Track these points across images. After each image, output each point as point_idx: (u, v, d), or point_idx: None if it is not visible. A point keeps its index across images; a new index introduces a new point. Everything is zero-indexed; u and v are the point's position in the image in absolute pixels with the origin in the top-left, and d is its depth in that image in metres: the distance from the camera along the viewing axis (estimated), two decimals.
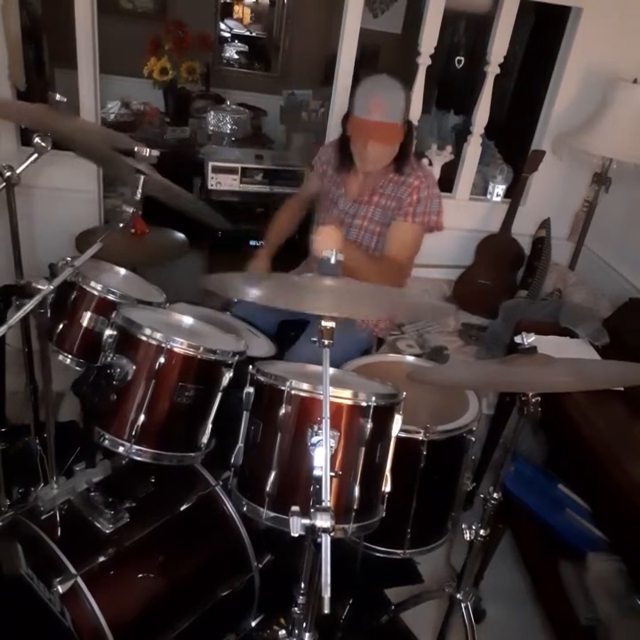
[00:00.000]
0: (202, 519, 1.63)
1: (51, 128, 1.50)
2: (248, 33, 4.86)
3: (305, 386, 1.25)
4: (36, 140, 1.51)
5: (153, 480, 1.61)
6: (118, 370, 1.39)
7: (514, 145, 3.13)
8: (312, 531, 1.01)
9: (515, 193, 2.77)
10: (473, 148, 2.81)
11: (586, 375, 1.42)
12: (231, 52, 4.85)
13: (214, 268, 2.90)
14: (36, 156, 1.52)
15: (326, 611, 0.94)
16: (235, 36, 4.83)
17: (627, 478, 1.63)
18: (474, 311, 2.78)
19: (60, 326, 1.61)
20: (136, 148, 1.50)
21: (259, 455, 1.31)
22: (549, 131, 2.79)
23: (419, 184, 2.03)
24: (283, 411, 1.25)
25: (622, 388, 1.90)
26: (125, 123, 3.90)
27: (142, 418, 1.40)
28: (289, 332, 2.20)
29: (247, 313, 2.06)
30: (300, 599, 1.22)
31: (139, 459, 1.42)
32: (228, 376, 1.46)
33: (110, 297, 1.60)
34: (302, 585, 1.21)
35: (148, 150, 1.49)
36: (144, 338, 1.40)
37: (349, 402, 1.26)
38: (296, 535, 1.05)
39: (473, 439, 1.58)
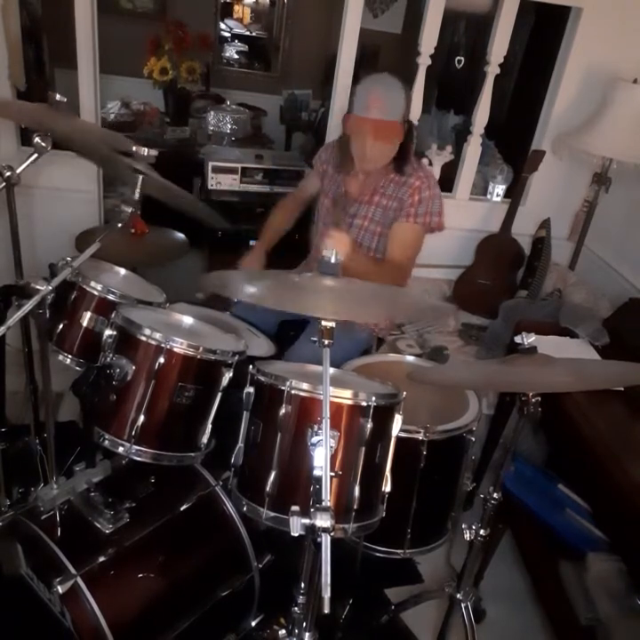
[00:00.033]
0: (202, 519, 1.62)
1: (50, 128, 1.50)
2: (248, 33, 4.86)
3: (305, 386, 1.25)
4: (36, 139, 1.51)
5: (153, 480, 1.61)
6: (118, 370, 1.39)
7: (514, 145, 3.13)
8: (312, 530, 1.01)
9: (515, 193, 2.77)
10: (473, 148, 2.81)
11: (586, 375, 1.42)
12: (231, 51, 4.85)
13: (214, 268, 2.90)
14: (35, 156, 1.52)
15: (326, 611, 0.94)
16: (235, 36, 4.84)
17: (627, 478, 1.63)
18: (474, 311, 2.78)
19: (60, 326, 1.61)
20: (134, 148, 1.50)
21: (259, 455, 1.31)
22: (549, 131, 2.79)
23: (420, 184, 2.03)
24: (283, 411, 1.25)
25: (622, 388, 1.90)
26: (125, 123, 3.90)
27: (142, 418, 1.40)
28: (289, 331, 2.20)
29: (247, 313, 2.06)
30: (300, 599, 1.22)
31: (138, 459, 1.42)
32: (227, 376, 1.46)
33: (110, 297, 1.60)
34: (302, 585, 1.21)
35: (147, 150, 1.49)
36: (144, 338, 1.40)
37: (349, 402, 1.26)
38: (296, 535, 1.05)
39: (473, 439, 1.58)
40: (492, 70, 2.63)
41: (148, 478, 1.61)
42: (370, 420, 1.26)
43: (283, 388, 1.26)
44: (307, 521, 1.02)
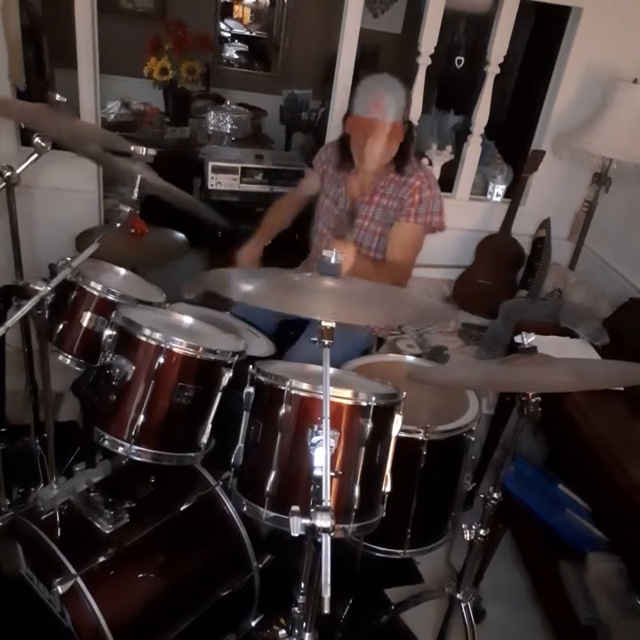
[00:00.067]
0: (202, 519, 1.62)
1: (50, 132, 1.50)
2: (248, 33, 4.86)
3: (305, 386, 1.25)
4: (36, 139, 1.51)
5: (153, 480, 1.61)
6: (118, 370, 1.39)
7: (514, 145, 3.13)
8: (312, 531, 1.01)
9: (515, 193, 2.77)
10: (473, 148, 2.81)
11: (586, 375, 1.41)
12: (231, 51, 4.85)
13: (214, 268, 2.90)
14: (35, 155, 1.52)
15: (326, 611, 0.94)
16: (235, 36, 4.84)
17: (627, 478, 1.63)
18: (474, 311, 2.78)
19: (60, 326, 1.61)
20: (132, 148, 1.50)
21: (259, 455, 1.31)
22: (549, 131, 2.79)
23: (420, 184, 2.03)
24: (283, 410, 1.25)
25: (622, 388, 1.90)
26: (125, 123, 3.90)
27: (142, 418, 1.40)
28: (289, 331, 2.20)
29: (247, 313, 2.06)
30: (300, 599, 1.22)
31: (138, 459, 1.42)
32: (227, 376, 1.46)
33: (110, 297, 1.60)
34: (302, 585, 1.21)
35: (145, 149, 1.49)
36: (143, 338, 1.40)
37: (349, 402, 1.26)
38: (296, 535, 1.05)
39: (473, 439, 1.58)
40: (492, 70, 2.63)
41: (148, 478, 1.61)
42: (370, 419, 1.26)
43: (283, 387, 1.26)
44: (307, 521, 1.02)
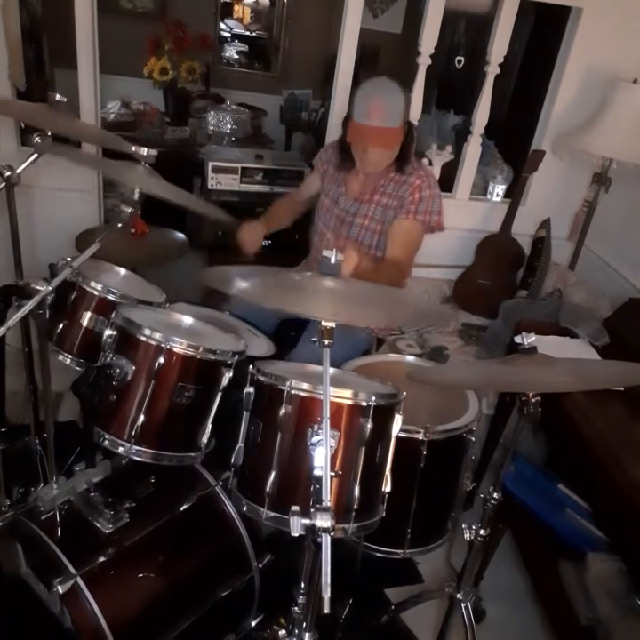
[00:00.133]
0: (202, 519, 1.62)
1: (49, 127, 1.50)
2: (248, 33, 4.86)
3: (305, 386, 1.25)
4: (36, 139, 1.51)
5: (153, 480, 1.61)
6: (118, 370, 1.39)
7: (514, 145, 3.13)
8: (312, 530, 1.01)
9: (515, 193, 2.77)
10: (473, 148, 2.81)
11: (586, 375, 1.41)
12: (231, 51, 4.85)
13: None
14: (35, 155, 1.52)
15: (326, 611, 0.94)
16: (235, 36, 4.84)
17: (627, 478, 1.63)
18: (474, 311, 2.78)
19: (60, 326, 1.61)
20: (134, 148, 1.50)
21: (259, 455, 1.31)
22: (549, 131, 2.79)
23: (420, 183, 2.03)
24: (283, 410, 1.25)
25: (622, 388, 1.90)
26: (125, 123, 3.90)
27: (142, 418, 1.40)
28: (289, 331, 2.20)
29: (247, 313, 2.06)
30: (300, 599, 1.22)
31: (138, 459, 1.42)
32: (227, 376, 1.46)
33: (110, 297, 1.60)
34: (302, 585, 1.21)
35: (146, 150, 1.49)
36: (144, 338, 1.40)
37: (349, 402, 1.26)
38: (296, 535, 1.05)
39: (473, 439, 1.58)
40: (492, 70, 2.63)
41: (148, 478, 1.61)
42: (370, 419, 1.26)
43: (283, 387, 1.26)
44: (307, 521, 1.02)
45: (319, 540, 0.99)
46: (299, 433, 1.24)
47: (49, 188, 2.54)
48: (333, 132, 2.62)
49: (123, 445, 1.41)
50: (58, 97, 1.63)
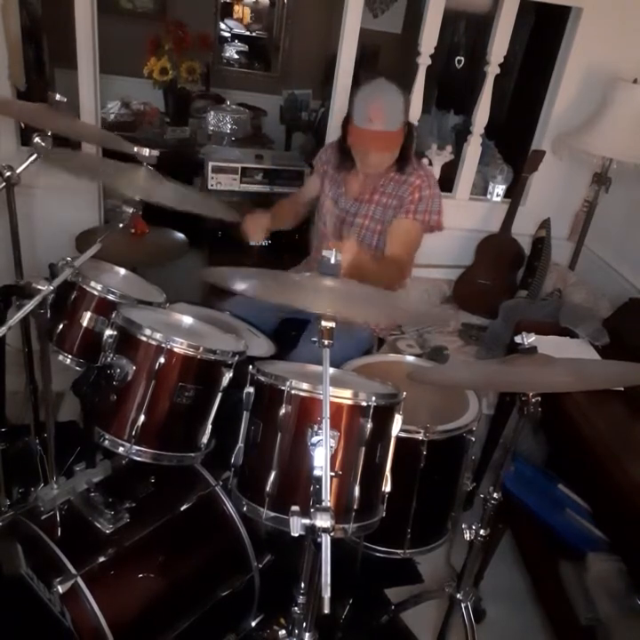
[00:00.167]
0: (202, 519, 1.62)
1: (49, 127, 1.50)
2: (248, 33, 4.86)
3: (305, 386, 1.25)
4: (36, 139, 1.51)
5: (153, 480, 1.61)
6: (118, 370, 1.39)
7: (514, 145, 3.13)
8: (312, 530, 1.01)
9: (515, 193, 2.77)
10: (473, 148, 2.81)
11: (586, 375, 1.41)
12: (231, 51, 4.85)
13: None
14: (35, 155, 1.52)
15: (326, 611, 0.94)
16: (235, 36, 4.84)
17: (627, 478, 1.63)
18: (474, 311, 2.78)
19: (60, 326, 1.61)
20: (136, 149, 1.50)
21: (259, 455, 1.31)
22: (549, 131, 2.79)
23: (420, 183, 2.04)
24: (283, 411, 1.25)
25: (622, 388, 1.90)
26: (125, 123, 3.90)
27: (142, 418, 1.40)
28: (289, 331, 2.20)
29: (247, 313, 2.06)
30: (300, 599, 1.22)
31: (139, 459, 1.42)
32: (227, 376, 1.46)
33: (110, 297, 1.60)
34: (302, 585, 1.21)
35: (148, 150, 1.49)
36: (144, 338, 1.40)
37: (349, 402, 1.26)
38: (296, 535, 1.05)
39: (473, 439, 1.58)
40: (492, 70, 2.63)
41: (147, 478, 1.61)
42: (370, 419, 1.26)
43: (283, 388, 1.26)
44: (307, 521, 1.02)
45: (319, 540, 0.99)
46: (299, 433, 1.24)
47: (49, 188, 2.54)
48: (333, 132, 2.63)
49: (123, 445, 1.41)
50: (58, 97, 1.63)
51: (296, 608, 1.23)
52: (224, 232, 2.85)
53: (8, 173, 1.54)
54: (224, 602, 1.59)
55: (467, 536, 1.54)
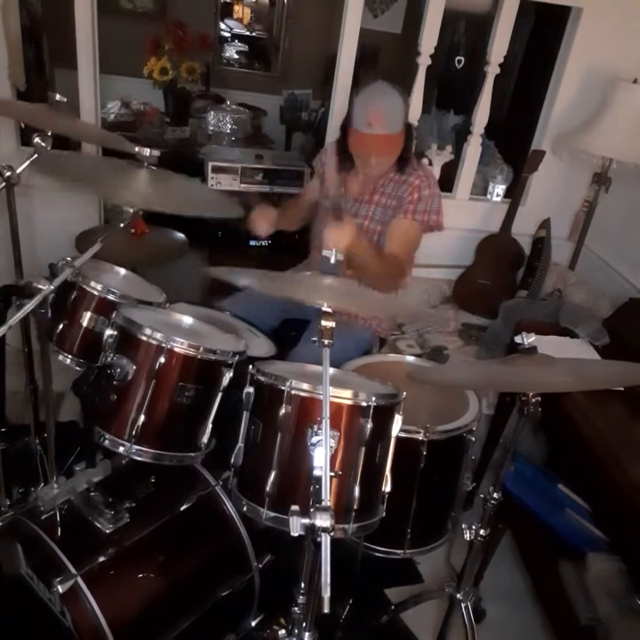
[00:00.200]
0: (202, 519, 1.62)
1: (49, 127, 1.50)
2: (248, 33, 4.86)
3: (305, 386, 1.25)
4: (36, 139, 1.51)
5: (153, 480, 1.61)
6: (118, 370, 1.39)
7: (514, 145, 3.13)
8: (312, 530, 1.01)
9: (515, 193, 2.77)
10: (473, 148, 2.81)
11: (586, 375, 1.42)
12: (231, 51, 4.85)
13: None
14: (36, 155, 1.52)
15: (326, 610, 0.94)
16: (235, 36, 4.84)
17: (627, 478, 1.63)
18: (474, 311, 2.78)
19: (60, 326, 1.61)
20: (137, 149, 1.49)
21: (259, 455, 1.31)
22: (549, 131, 2.79)
23: (420, 183, 2.04)
24: (283, 411, 1.25)
25: (622, 388, 1.90)
26: (125, 123, 3.90)
27: (142, 418, 1.40)
28: (290, 331, 2.20)
29: (247, 313, 2.06)
30: (300, 599, 1.22)
31: (139, 459, 1.42)
32: (228, 376, 1.46)
33: (110, 297, 1.60)
34: (302, 585, 1.21)
35: (149, 150, 1.49)
36: (144, 338, 1.40)
37: (349, 402, 1.26)
38: (296, 535, 1.05)
39: (473, 439, 1.58)
40: (492, 70, 2.63)
41: (148, 478, 1.61)
42: (370, 420, 1.26)
43: (283, 388, 1.26)
44: (306, 521, 1.02)
45: (319, 539, 0.99)
46: (299, 433, 1.24)
47: (49, 188, 2.54)
48: (333, 132, 2.62)
49: (123, 445, 1.41)
50: (58, 97, 1.63)
51: (296, 608, 1.23)
52: (224, 232, 2.85)
53: (8, 173, 1.54)
54: (224, 602, 1.59)
55: (467, 536, 1.54)
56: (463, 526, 1.55)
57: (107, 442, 1.42)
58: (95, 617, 1.33)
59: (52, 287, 1.28)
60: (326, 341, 1.14)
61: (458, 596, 1.64)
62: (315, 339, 1.15)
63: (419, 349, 2.46)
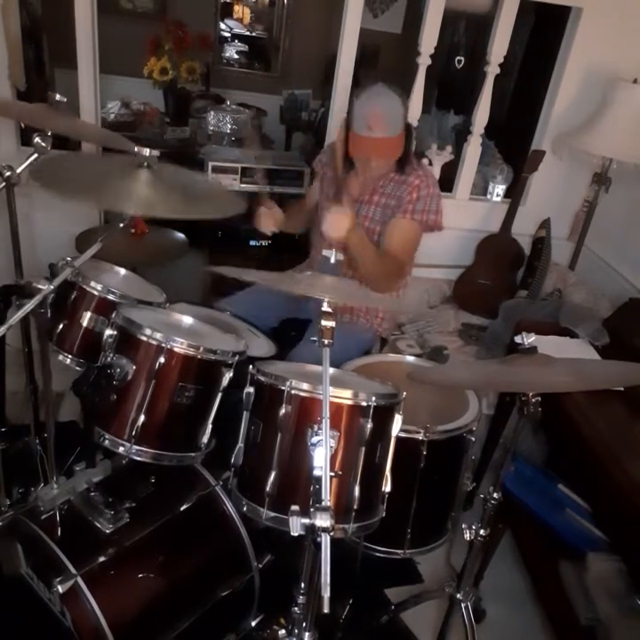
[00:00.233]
0: (202, 519, 1.62)
1: (49, 127, 1.49)
2: (248, 33, 4.86)
3: (305, 386, 1.25)
4: (36, 139, 1.51)
5: (153, 480, 1.61)
6: (118, 370, 1.39)
7: (514, 145, 3.13)
8: (312, 530, 1.01)
9: (515, 193, 2.77)
10: (473, 148, 2.81)
11: (586, 375, 1.41)
12: (231, 51, 4.85)
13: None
14: (36, 155, 1.52)
15: (326, 610, 0.94)
16: (235, 36, 4.84)
17: (627, 478, 1.63)
18: (474, 311, 2.78)
19: (60, 326, 1.61)
20: (137, 149, 1.49)
21: (259, 455, 1.31)
22: (549, 131, 2.79)
23: (419, 183, 2.04)
24: (283, 411, 1.25)
25: (622, 388, 1.90)
26: (125, 123, 3.89)
27: (142, 418, 1.40)
28: (290, 331, 2.20)
29: (247, 313, 2.06)
30: (300, 599, 1.22)
31: (139, 459, 1.42)
32: (227, 376, 1.46)
33: (110, 297, 1.60)
34: (302, 585, 1.21)
35: (149, 150, 1.49)
36: (144, 338, 1.40)
37: (349, 402, 1.26)
38: (296, 535, 1.05)
39: (473, 439, 1.58)
40: (492, 70, 2.63)
41: (148, 478, 1.61)
42: (370, 420, 1.26)
43: (283, 388, 1.26)
44: (306, 521, 1.02)
45: (319, 539, 0.99)
46: (299, 433, 1.24)
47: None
48: (333, 132, 2.62)
49: (123, 445, 1.41)
50: (58, 97, 1.63)
51: (296, 608, 1.23)
52: (224, 232, 2.85)
53: (8, 173, 1.54)
54: (224, 602, 1.59)
55: (467, 536, 1.54)
56: (463, 526, 1.55)
57: (107, 442, 1.42)
58: (95, 617, 1.33)
59: (52, 287, 1.28)
60: (326, 341, 1.14)
61: (458, 596, 1.64)
62: (315, 338, 1.15)
63: (419, 349, 2.46)
